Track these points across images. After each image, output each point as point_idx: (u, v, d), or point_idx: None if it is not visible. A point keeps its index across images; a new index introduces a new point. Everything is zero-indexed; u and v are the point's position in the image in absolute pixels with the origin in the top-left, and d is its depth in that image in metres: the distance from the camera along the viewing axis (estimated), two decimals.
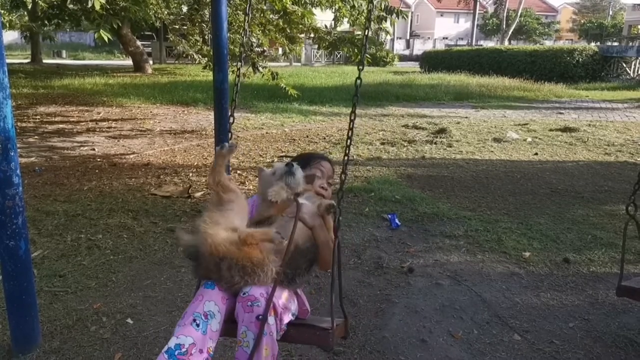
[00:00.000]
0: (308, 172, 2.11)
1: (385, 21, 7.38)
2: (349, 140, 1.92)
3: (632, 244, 3.42)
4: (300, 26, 8.71)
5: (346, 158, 1.89)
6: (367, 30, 2.07)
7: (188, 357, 1.52)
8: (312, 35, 8.95)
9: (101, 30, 4.92)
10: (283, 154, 6.82)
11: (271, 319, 1.63)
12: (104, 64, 25.85)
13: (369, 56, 8.13)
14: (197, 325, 1.58)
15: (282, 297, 1.74)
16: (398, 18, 7.23)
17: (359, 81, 1.95)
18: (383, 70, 26.37)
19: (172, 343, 1.55)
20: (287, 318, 1.74)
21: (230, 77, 4.48)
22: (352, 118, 1.90)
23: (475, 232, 4.03)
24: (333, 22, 8.62)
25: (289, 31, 8.55)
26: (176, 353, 1.52)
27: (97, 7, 4.43)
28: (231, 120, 2.25)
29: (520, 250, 3.68)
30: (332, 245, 1.81)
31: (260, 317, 1.60)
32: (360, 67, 1.94)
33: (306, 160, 2.24)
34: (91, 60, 29.86)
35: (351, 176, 5.43)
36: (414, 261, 3.48)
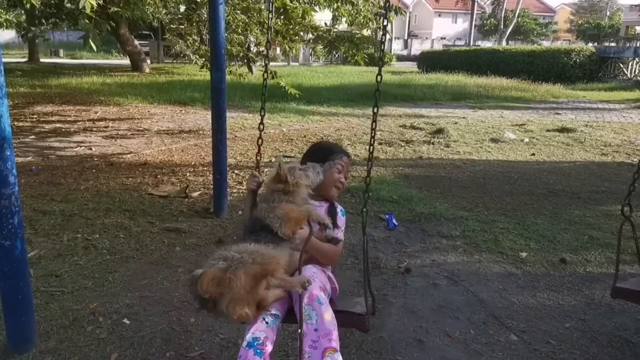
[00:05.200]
0: (327, 168, 2.23)
1: (384, 17, 7.38)
2: (371, 148, 2.15)
3: (628, 245, 3.43)
4: (299, 25, 8.71)
5: (370, 163, 2.15)
6: (384, 25, 2.30)
7: (264, 347, 1.78)
8: (310, 36, 8.94)
9: (91, 38, 4.89)
10: (281, 153, 6.82)
11: (322, 295, 1.86)
12: (102, 63, 25.81)
13: (366, 56, 8.16)
14: (267, 322, 1.83)
15: (323, 279, 2.00)
16: (397, 14, 7.24)
17: (379, 77, 2.15)
18: None
19: (249, 338, 1.78)
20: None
21: (228, 76, 4.48)
22: (374, 126, 2.16)
23: (472, 232, 4.03)
24: (332, 21, 8.64)
25: (290, 28, 8.54)
26: (255, 344, 1.77)
27: (88, 9, 4.39)
28: (261, 127, 2.45)
29: (517, 251, 3.69)
30: (331, 250, 2.10)
31: (317, 300, 1.82)
32: (380, 69, 2.18)
33: (327, 152, 2.30)
34: (89, 59, 29.77)
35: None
36: (411, 261, 3.49)
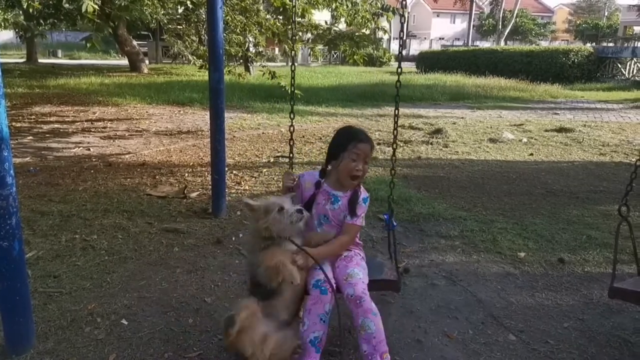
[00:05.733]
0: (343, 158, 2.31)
1: (383, 16, 7.42)
2: (394, 145, 2.59)
3: (626, 244, 3.43)
4: (299, 25, 8.72)
5: (393, 157, 2.64)
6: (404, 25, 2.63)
7: (321, 343, 2.12)
8: (309, 35, 8.96)
9: (94, 40, 4.91)
10: (279, 154, 6.82)
11: (373, 306, 2.14)
12: (100, 64, 25.77)
13: (365, 55, 8.18)
14: (323, 321, 2.13)
15: (365, 277, 2.26)
16: (394, 14, 7.27)
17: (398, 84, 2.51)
18: (379, 70, 26.40)
19: (312, 337, 2.10)
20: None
21: (226, 77, 4.47)
22: (396, 126, 2.57)
23: (470, 232, 4.03)
24: (331, 20, 8.67)
25: (289, 28, 8.56)
26: (316, 343, 2.10)
27: (90, 11, 4.40)
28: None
29: (515, 251, 3.69)
30: (341, 247, 2.36)
31: (372, 312, 2.13)
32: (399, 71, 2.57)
33: (345, 139, 2.33)
34: (87, 59, 29.73)
35: None
36: (409, 261, 3.49)
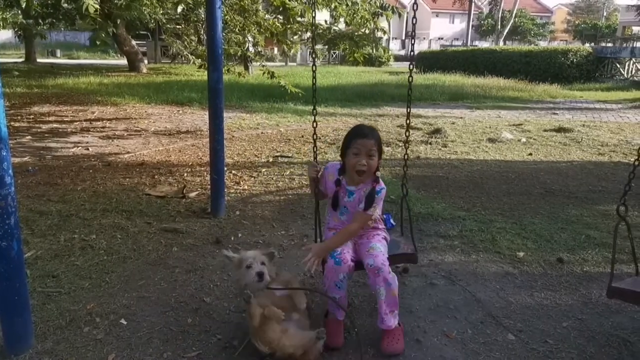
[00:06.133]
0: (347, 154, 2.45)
1: (382, 16, 7.43)
2: (407, 134, 2.77)
3: (625, 244, 3.43)
4: (298, 24, 8.73)
5: (406, 156, 2.85)
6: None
7: (342, 303, 2.43)
8: (309, 34, 8.96)
9: (102, 39, 4.93)
10: (278, 153, 6.82)
11: (391, 276, 2.39)
12: (99, 64, 25.75)
13: (365, 54, 8.18)
14: (339, 287, 2.41)
15: (385, 251, 2.50)
16: (394, 14, 7.27)
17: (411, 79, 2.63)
18: (378, 70, 26.42)
19: (332, 295, 2.41)
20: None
21: (225, 76, 4.47)
22: (407, 128, 2.78)
23: (469, 232, 4.03)
24: (332, 19, 8.67)
25: (289, 27, 8.56)
26: (337, 298, 2.41)
27: (91, 11, 4.41)
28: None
29: (514, 250, 3.69)
30: (352, 233, 2.50)
31: (387, 282, 2.38)
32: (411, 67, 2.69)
33: (348, 138, 2.47)
34: (86, 59, 29.72)
35: None
36: None
